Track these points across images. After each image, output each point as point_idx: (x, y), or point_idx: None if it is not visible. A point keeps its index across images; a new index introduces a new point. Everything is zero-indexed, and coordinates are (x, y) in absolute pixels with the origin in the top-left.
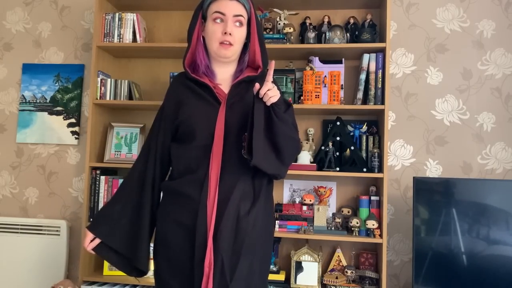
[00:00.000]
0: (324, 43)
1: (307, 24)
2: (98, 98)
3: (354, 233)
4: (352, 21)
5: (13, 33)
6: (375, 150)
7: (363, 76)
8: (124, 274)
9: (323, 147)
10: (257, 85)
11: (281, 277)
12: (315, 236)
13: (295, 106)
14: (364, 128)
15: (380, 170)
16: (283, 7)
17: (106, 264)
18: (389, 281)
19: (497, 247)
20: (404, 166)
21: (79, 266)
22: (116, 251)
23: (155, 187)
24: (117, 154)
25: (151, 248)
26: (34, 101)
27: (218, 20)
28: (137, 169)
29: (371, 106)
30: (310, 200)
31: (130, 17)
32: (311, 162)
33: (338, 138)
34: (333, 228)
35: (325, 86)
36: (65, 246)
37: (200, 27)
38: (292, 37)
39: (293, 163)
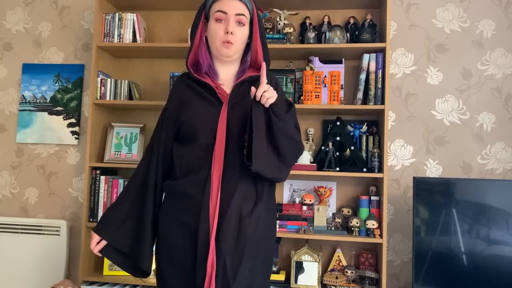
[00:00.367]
0: (324, 43)
1: (307, 24)
2: (98, 98)
3: (354, 233)
4: (352, 21)
5: (13, 33)
6: (375, 150)
7: (363, 76)
8: (127, 274)
9: (323, 147)
10: (253, 88)
11: (281, 277)
12: (315, 236)
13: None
14: (364, 128)
15: (380, 170)
16: (283, 7)
17: (106, 264)
18: (389, 281)
19: (497, 247)
20: (404, 166)
21: (79, 266)
22: (121, 252)
23: (158, 188)
24: (117, 154)
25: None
26: (34, 101)
27: (220, 19)
28: (141, 170)
29: (371, 106)
30: (310, 200)
31: (130, 17)
32: (311, 162)
33: (338, 138)
34: (333, 228)
35: (325, 86)
36: (65, 246)
37: (203, 27)
38: (292, 37)
39: None
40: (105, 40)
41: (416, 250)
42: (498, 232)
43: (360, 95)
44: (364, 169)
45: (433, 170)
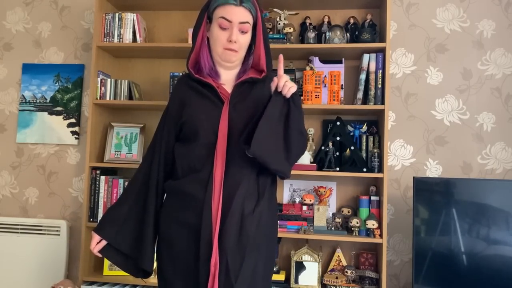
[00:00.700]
0: (324, 43)
1: (307, 24)
2: (98, 98)
3: (354, 233)
4: (352, 21)
5: (13, 33)
6: (375, 150)
7: (363, 76)
8: (127, 274)
9: (323, 147)
10: (275, 79)
11: (281, 277)
12: (315, 236)
13: None
14: (364, 128)
15: (380, 170)
16: (283, 7)
17: (106, 264)
18: (389, 281)
19: (497, 247)
20: (404, 166)
21: (79, 266)
22: (122, 252)
23: (159, 188)
24: (117, 154)
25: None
26: (34, 101)
27: (224, 28)
28: (142, 170)
29: (371, 106)
30: (310, 200)
31: (130, 17)
32: (311, 162)
33: (338, 138)
34: (333, 228)
35: (325, 86)
36: (65, 246)
37: (205, 28)
38: (292, 37)
39: None
40: (105, 40)
41: (416, 250)
42: (498, 232)
43: (360, 95)
44: (364, 169)
45: (433, 170)
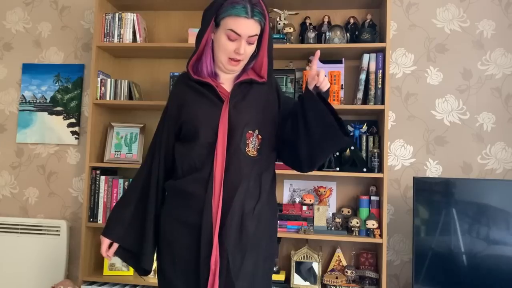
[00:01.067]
0: (324, 43)
1: (307, 24)
2: (98, 98)
3: (354, 233)
4: (352, 21)
5: (13, 33)
6: (375, 150)
7: (363, 76)
8: (127, 274)
9: None
10: (311, 74)
11: (281, 277)
12: (315, 236)
13: None
14: (364, 128)
15: (380, 170)
16: (283, 7)
17: (106, 264)
18: (389, 281)
19: (497, 247)
20: (404, 166)
21: (79, 266)
22: (130, 251)
23: (160, 187)
24: (117, 154)
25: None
26: (34, 101)
27: (232, 39)
28: (144, 169)
29: (371, 106)
30: (310, 200)
31: (130, 17)
32: None
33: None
34: (333, 228)
35: None
36: (65, 246)
37: (211, 31)
38: (292, 37)
39: None
40: (105, 40)
41: (416, 250)
42: (498, 232)
43: (360, 95)
44: (364, 169)
45: (433, 170)
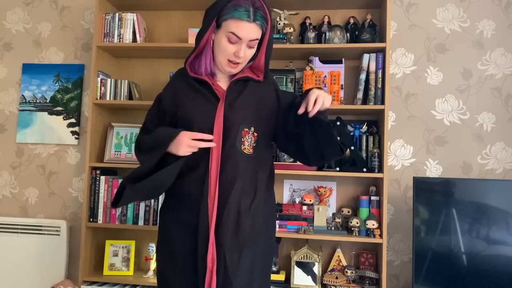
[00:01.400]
0: (324, 43)
1: (307, 24)
2: (98, 98)
3: (354, 233)
4: (352, 21)
5: (13, 33)
6: (375, 150)
7: (363, 76)
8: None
9: None
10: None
11: (281, 277)
12: (315, 236)
13: None
14: (364, 128)
15: (380, 170)
16: (283, 7)
17: (106, 264)
18: (389, 281)
19: (497, 247)
20: (404, 166)
21: (79, 266)
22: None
23: None
24: (117, 154)
25: (151, 249)
26: (34, 101)
27: (232, 42)
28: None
29: (371, 106)
30: (310, 200)
31: (130, 17)
32: None
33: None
34: (333, 228)
35: (325, 86)
36: (65, 246)
37: (212, 31)
38: (292, 37)
39: (293, 163)
40: (105, 40)
41: (416, 250)
42: (498, 232)
43: (360, 95)
44: (364, 169)
45: (433, 170)
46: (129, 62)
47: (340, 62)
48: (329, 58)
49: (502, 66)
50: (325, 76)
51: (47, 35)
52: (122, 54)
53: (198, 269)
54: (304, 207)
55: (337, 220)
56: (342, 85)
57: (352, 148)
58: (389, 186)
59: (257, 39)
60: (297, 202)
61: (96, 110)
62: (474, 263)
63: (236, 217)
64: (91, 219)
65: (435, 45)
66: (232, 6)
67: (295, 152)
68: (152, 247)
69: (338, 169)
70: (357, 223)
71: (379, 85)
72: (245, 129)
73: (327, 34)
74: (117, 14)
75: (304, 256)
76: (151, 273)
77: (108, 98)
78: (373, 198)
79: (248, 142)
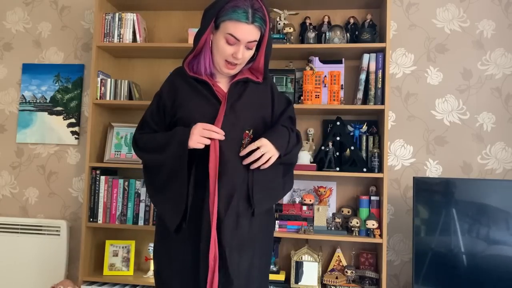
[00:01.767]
0: (324, 43)
1: (307, 24)
2: (98, 98)
3: (354, 233)
4: (352, 21)
5: (13, 33)
6: (375, 150)
7: (363, 76)
8: (127, 274)
9: (323, 147)
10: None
11: (281, 277)
12: (315, 236)
13: (295, 106)
14: (364, 128)
15: (380, 170)
16: (283, 7)
17: (106, 264)
18: (389, 281)
19: (497, 247)
20: (404, 166)
21: (79, 266)
22: None
23: None
24: (117, 154)
25: (151, 249)
26: (34, 101)
27: (231, 43)
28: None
29: (371, 106)
30: (310, 200)
31: (130, 17)
32: (311, 162)
33: (338, 138)
34: (333, 228)
35: (325, 86)
36: (65, 246)
37: (210, 32)
38: (292, 37)
39: None
40: (105, 40)
41: (416, 250)
42: (498, 232)
43: (360, 95)
44: (364, 169)
45: (433, 170)
46: (129, 62)
47: (340, 62)
48: (329, 58)
49: (502, 66)
50: (325, 76)
51: (47, 35)
52: (122, 54)
53: (198, 269)
54: (304, 207)
55: (337, 220)
56: (342, 85)
57: (352, 148)
58: (389, 186)
59: (255, 40)
60: (297, 202)
61: (96, 110)
62: (474, 263)
63: (236, 218)
64: (91, 219)
65: (435, 45)
66: (230, 8)
67: None
68: (152, 247)
69: (338, 169)
70: (357, 223)
71: (379, 85)
72: (246, 132)
73: (327, 34)
74: (117, 14)
75: (304, 256)
76: (151, 273)
77: (108, 98)
78: (373, 198)
79: (246, 144)
